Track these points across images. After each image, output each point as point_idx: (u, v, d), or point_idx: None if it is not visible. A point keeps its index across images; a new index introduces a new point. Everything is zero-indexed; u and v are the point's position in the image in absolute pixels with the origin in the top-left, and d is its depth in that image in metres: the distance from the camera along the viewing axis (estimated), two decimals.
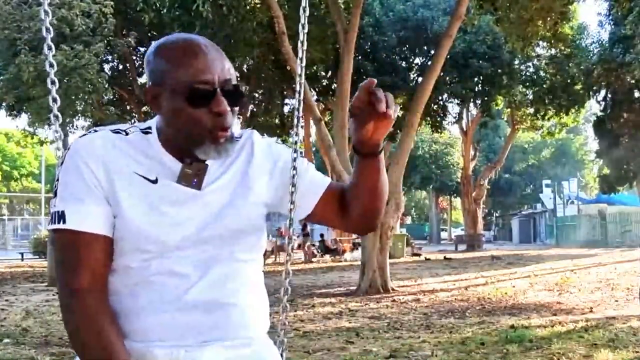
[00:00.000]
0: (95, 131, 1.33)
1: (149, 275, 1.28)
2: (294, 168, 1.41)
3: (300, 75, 1.50)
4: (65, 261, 1.27)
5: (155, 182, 1.29)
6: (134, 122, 18.51)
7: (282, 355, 1.51)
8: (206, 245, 1.31)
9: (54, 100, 1.42)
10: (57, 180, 1.29)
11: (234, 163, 1.37)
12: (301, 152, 1.46)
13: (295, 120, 1.56)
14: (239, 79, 1.35)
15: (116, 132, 1.32)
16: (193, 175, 1.30)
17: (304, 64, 1.50)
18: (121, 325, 1.28)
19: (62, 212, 1.25)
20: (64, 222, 1.25)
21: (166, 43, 1.30)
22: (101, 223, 1.26)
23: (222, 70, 1.27)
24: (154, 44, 1.33)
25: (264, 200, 1.39)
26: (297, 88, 1.52)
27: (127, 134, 1.33)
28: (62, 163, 1.30)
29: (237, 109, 1.31)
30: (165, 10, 13.81)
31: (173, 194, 1.29)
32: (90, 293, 1.25)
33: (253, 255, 1.40)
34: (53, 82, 1.41)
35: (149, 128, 1.34)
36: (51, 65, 1.40)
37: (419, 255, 23.59)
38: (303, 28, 1.50)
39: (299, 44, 1.50)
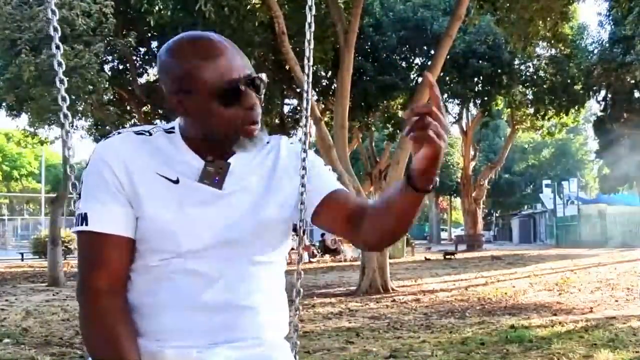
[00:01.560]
0: (119, 133, 1.35)
1: (168, 273, 1.29)
2: (303, 168, 1.41)
3: (307, 75, 1.50)
4: (86, 261, 1.29)
5: (176, 182, 1.30)
6: (135, 122, 18.56)
7: (295, 356, 1.51)
8: (227, 246, 1.31)
9: (63, 99, 1.43)
10: (82, 183, 1.32)
11: (260, 165, 1.38)
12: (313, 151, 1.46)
13: (304, 120, 1.56)
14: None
15: (139, 133, 1.34)
16: (215, 174, 1.31)
17: (311, 62, 1.50)
18: (137, 324, 1.30)
19: (85, 214, 1.27)
20: (86, 224, 1.27)
21: (182, 44, 1.28)
22: (122, 224, 1.28)
23: (243, 64, 1.28)
24: (167, 45, 1.31)
25: (289, 203, 1.39)
26: (305, 87, 1.52)
27: (150, 134, 1.34)
28: (86, 166, 1.32)
29: (262, 97, 1.32)
30: (168, 12, 13.81)
31: (195, 194, 1.30)
32: (106, 294, 1.27)
33: (273, 258, 1.40)
34: (62, 81, 1.42)
35: (173, 128, 1.36)
36: (59, 64, 1.41)
37: (454, 254, 23.61)
38: (310, 27, 1.48)
39: (306, 43, 1.49)
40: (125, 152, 1.29)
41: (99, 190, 1.28)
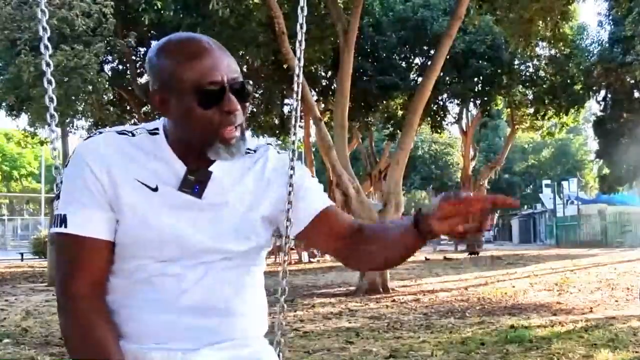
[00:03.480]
0: (100, 133, 1.32)
1: (147, 277, 1.28)
2: (292, 168, 1.40)
3: (298, 75, 1.50)
4: (65, 265, 1.27)
5: (155, 189, 1.28)
6: (135, 122, 18.55)
7: (279, 355, 1.51)
8: (205, 254, 1.30)
9: (51, 99, 1.43)
10: (61, 182, 1.29)
11: (244, 176, 1.35)
12: (299, 155, 1.45)
13: (293, 120, 1.56)
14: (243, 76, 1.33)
15: (122, 133, 1.31)
16: (195, 182, 1.29)
17: (302, 63, 1.50)
18: (118, 327, 1.28)
19: (64, 215, 1.25)
20: (66, 226, 1.24)
21: (169, 44, 1.28)
22: (102, 227, 1.26)
23: (229, 68, 1.25)
24: (155, 44, 1.31)
25: (271, 217, 1.38)
26: (295, 88, 1.52)
27: (133, 135, 1.31)
28: (66, 166, 1.29)
29: (247, 105, 1.29)
30: (170, 13, 13.81)
31: (174, 202, 1.28)
32: (86, 298, 1.25)
33: (254, 261, 1.39)
34: (50, 82, 1.42)
35: (157, 129, 1.33)
36: (48, 65, 1.41)
37: (477, 253, 23.60)
38: (301, 28, 1.49)
39: (297, 44, 1.50)
40: (106, 154, 1.27)
41: (79, 191, 1.26)
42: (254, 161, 1.38)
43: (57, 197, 1.29)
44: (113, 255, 1.29)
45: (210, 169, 1.31)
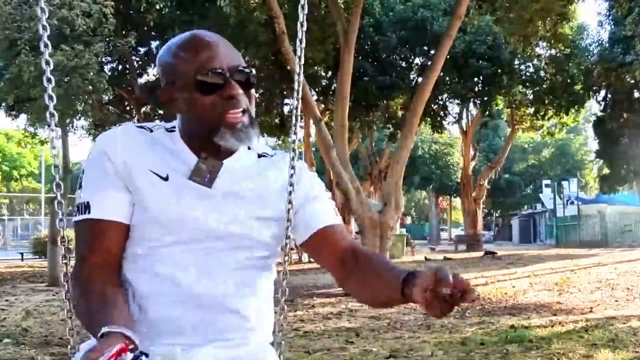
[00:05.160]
0: (120, 126, 1.38)
1: (153, 265, 1.30)
2: (292, 167, 1.40)
3: (299, 74, 1.50)
4: (85, 245, 1.31)
5: (166, 179, 1.32)
6: (135, 122, 18.59)
7: (280, 357, 1.50)
8: (212, 244, 1.32)
9: (50, 98, 1.44)
10: (83, 172, 1.35)
11: (258, 175, 1.38)
12: (299, 155, 1.45)
13: (294, 119, 1.55)
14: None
15: (140, 127, 1.38)
16: (206, 171, 1.32)
17: (302, 62, 1.50)
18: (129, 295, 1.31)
19: (87, 202, 1.30)
20: (89, 212, 1.30)
21: (173, 42, 1.34)
22: (123, 211, 1.31)
23: (230, 57, 1.30)
24: (164, 46, 1.37)
25: (277, 219, 1.38)
26: (296, 87, 1.52)
27: (151, 131, 1.37)
28: (88, 156, 1.36)
29: (252, 92, 1.33)
30: (170, 12, 13.83)
31: (183, 191, 1.31)
32: (99, 266, 1.28)
33: (261, 262, 1.39)
34: (49, 80, 1.42)
35: (173, 127, 1.38)
36: (47, 64, 1.41)
37: (494, 253, 23.60)
38: (302, 26, 1.49)
39: (297, 42, 1.50)
40: (123, 144, 1.32)
41: (100, 179, 1.31)
42: (270, 164, 1.41)
43: (80, 186, 1.34)
44: (128, 239, 1.32)
45: (223, 162, 1.35)
